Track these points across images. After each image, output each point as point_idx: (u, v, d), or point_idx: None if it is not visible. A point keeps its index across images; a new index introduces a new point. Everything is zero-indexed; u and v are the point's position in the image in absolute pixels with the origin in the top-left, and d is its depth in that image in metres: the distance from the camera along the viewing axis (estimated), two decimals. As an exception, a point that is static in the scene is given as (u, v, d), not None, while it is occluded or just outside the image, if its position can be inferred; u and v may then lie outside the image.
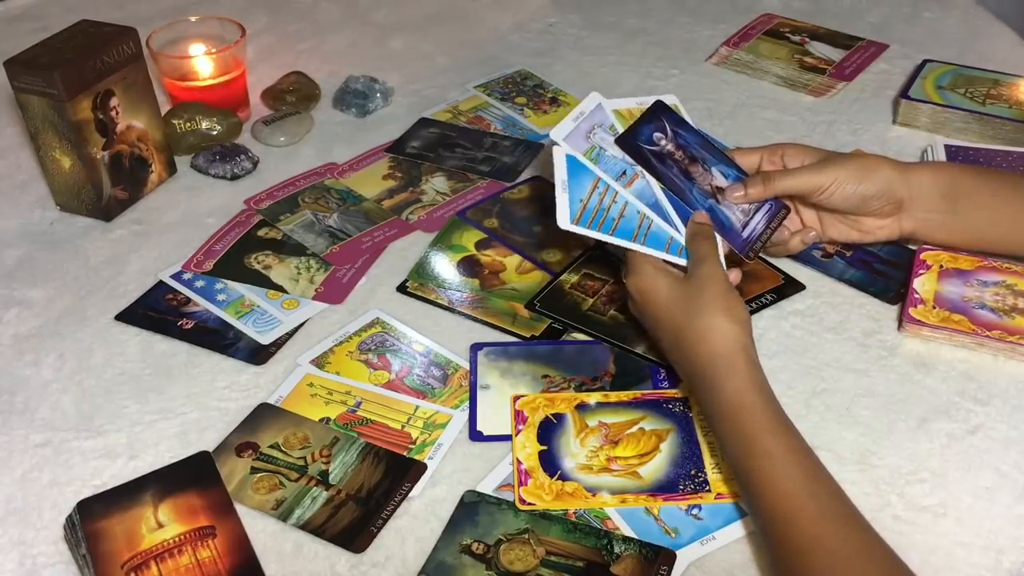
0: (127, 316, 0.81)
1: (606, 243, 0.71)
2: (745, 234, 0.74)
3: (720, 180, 0.76)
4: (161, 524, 0.62)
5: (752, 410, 0.61)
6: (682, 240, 0.72)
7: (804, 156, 0.78)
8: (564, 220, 0.70)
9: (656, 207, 0.73)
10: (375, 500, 0.65)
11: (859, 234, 0.80)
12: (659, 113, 0.77)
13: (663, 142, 0.75)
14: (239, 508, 0.64)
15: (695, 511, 0.64)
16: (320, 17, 1.32)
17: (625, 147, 0.74)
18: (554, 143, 0.73)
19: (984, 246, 0.79)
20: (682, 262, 0.71)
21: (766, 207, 0.75)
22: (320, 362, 0.76)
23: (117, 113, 0.90)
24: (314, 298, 0.82)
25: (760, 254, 0.75)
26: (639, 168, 0.75)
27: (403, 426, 0.70)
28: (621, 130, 0.76)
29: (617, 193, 0.73)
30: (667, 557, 0.61)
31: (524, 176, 0.98)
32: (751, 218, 0.75)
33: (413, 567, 0.61)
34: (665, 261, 0.71)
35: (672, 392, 0.72)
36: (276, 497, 0.65)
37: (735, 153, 0.79)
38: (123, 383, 0.75)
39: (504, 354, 0.76)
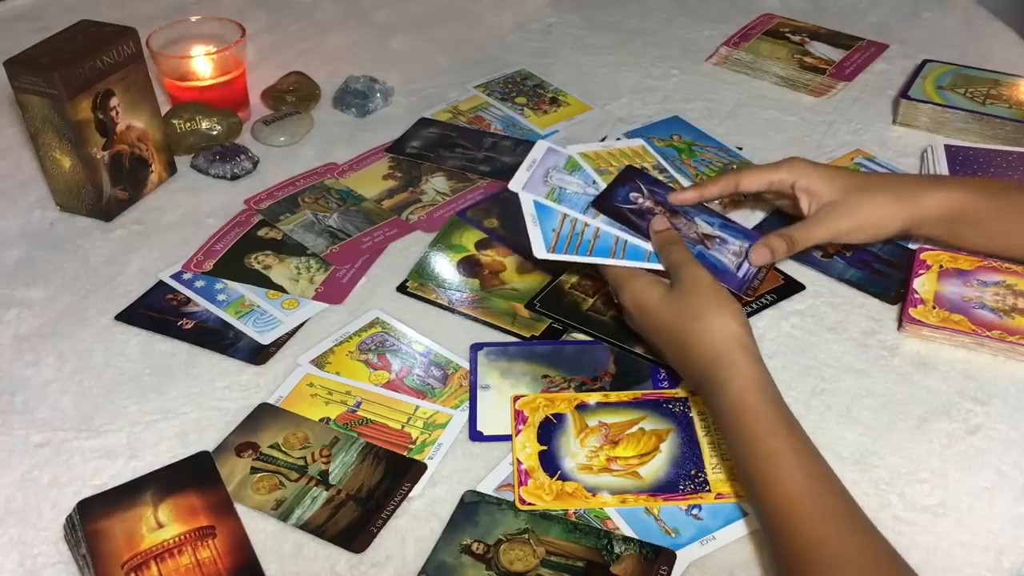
0: (127, 316, 0.81)
1: (586, 264, 0.72)
2: (740, 274, 0.74)
3: (705, 228, 0.76)
4: (161, 524, 0.62)
5: (753, 411, 0.61)
6: None
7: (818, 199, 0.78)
8: (540, 250, 0.72)
9: (628, 230, 0.74)
10: (375, 500, 0.65)
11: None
12: (632, 175, 0.78)
13: (640, 200, 0.76)
14: (239, 508, 0.64)
15: (695, 511, 0.64)
16: (320, 17, 1.32)
17: (602, 209, 0.75)
18: (514, 194, 0.75)
19: (981, 253, 0.80)
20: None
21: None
22: (320, 362, 0.76)
23: (117, 113, 0.90)
24: (314, 298, 0.82)
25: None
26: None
27: (403, 426, 0.70)
28: (587, 167, 0.78)
29: (588, 223, 0.74)
30: (667, 557, 0.61)
31: (524, 176, 0.98)
32: (743, 260, 0.75)
33: (413, 567, 0.61)
34: (649, 270, 0.72)
35: (672, 392, 0.72)
36: (276, 497, 0.65)
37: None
38: (123, 383, 0.75)
39: (504, 354, 0.76)
